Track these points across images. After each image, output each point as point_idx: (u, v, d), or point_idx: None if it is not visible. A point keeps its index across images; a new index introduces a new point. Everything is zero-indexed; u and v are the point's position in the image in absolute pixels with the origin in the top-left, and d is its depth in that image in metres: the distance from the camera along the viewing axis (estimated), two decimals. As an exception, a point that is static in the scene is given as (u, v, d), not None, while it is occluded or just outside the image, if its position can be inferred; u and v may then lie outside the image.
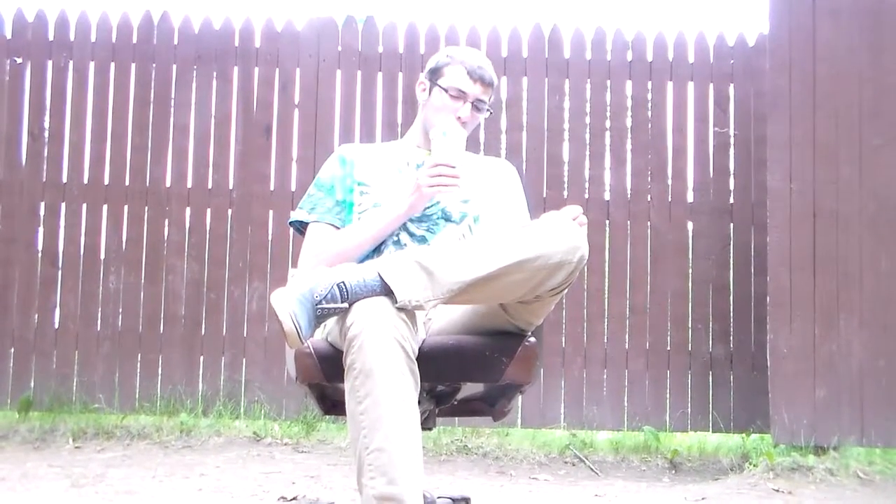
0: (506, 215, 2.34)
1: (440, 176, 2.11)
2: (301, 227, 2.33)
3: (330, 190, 2.32)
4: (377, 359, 1.76)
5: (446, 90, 2.29)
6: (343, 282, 1.82)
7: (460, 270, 1.85)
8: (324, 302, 1.80)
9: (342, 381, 1.84)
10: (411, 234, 2.24)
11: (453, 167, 2.11)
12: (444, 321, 2.11)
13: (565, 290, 1.96)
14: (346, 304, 1.81)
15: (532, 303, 1.95)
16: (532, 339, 2.00)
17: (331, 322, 2.00)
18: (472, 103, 2.29)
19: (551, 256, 1.86)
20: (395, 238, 2.23)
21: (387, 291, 1.83)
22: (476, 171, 2.38)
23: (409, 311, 1.84)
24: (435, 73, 2.33)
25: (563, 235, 1.88)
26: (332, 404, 2.21)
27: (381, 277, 1.84)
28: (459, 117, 2.28)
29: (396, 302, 1.82)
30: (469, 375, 2.02)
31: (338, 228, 2.28)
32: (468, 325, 2.06)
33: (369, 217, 2.23)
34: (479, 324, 2.04)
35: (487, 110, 2.34)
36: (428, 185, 2.12)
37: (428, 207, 2.25)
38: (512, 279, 1.86)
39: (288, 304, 1.77)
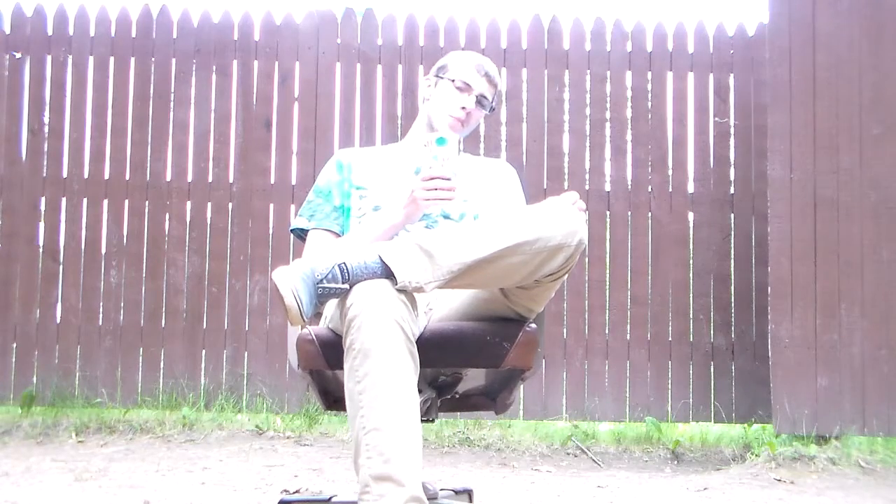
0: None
1: (436, 189, 2.12)
2: (302, 234, 2.37)
3: (328, 195, 2.36)
4: (376, 339, 1.77)
5: (453, 81, 2.36)
6: (344, 262, 1.83)
7: (460, 252, 1.86)
8: (325, 281, 1.82)
9: (343, 368, 1.85)
10: (409, 232, 2.25)
11: (448, 179, 2.12)
12: (445, 309, 2.13)
13: (565, 276, 1.98)
14: (346, 285, 1.83)
15: (532, 288, 1.96)
16: (533, 325, 2.01)
17: (331, 309, 2.01)
18: (477, 97, 2.37)
19: (550, 239, 1.87)
20: (396, 234, 2.23)
21: (387, 274, 1.84)
22: (475, 172, 2.42)
23: (409, 294, 1.85)
24: (442, 69, 2.42)
25: (563, 219, 1.90)
26: (335, 400, 2.21)
27: (381, 260, 1.85)
28: (464, 107, 2.34)
29: (397, 284, 1.83)
30: (470, 361, 2.02)
31: (337, 234, 2.33)
32: (469, 312, 2.07)
33: (367, 225, 2.25)
34: (481, 311, 2.05)
35: (490, 108, 2.41)
36: (424, 198, 2.13)
37: None
38: (511, 261, 1.87)
39: (290, 280, 1.79)
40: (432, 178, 2.12)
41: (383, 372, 1.77)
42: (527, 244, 1.87)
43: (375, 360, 1.77)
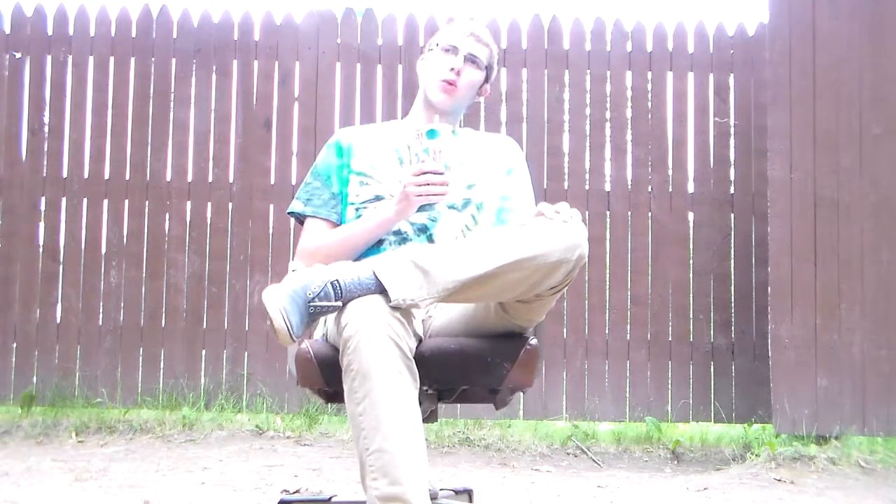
0: (510, 204, 2.30)
1: (428, 185, 2.06)
2: (301, 217, 2.32)
3: (327, 180, 2.30)
4: (373, 359, 1.75)
5: (439, 45, 2.31)
6: (337, 280, 1.80)
7: (456, 269, 1.82)
8: (317, 300, 1.78)
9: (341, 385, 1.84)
10: (411, 223, 2.21)
11: (441, 174, 2.06)
12: (444, 319, 2.09)
13: (565, 288, 1.94)
14: (339, 303, 1.79)
15: (532, 301, 1.92)
16: (534, 342, 1.98)
17: (329, 321, 1.99)
18: (466, 56, 2.28)
19: (549, 255, 1.83)
20: (395, 227, 2.20)
21: (381, 290, 1.80)
22: (478, 151, 2.34)
23: (404, 310, 1.82)
24: (433, 40, 2.36)
25: (562, 234, 1.85)
26: (334, 392, 2.20)
27: (375, 276, 1.81)
28: (452, 68, 2.26)
29: (391, 301, 1.80)
30: (470, 380, 2.00)
31: (334, 223, 2.27)
32: (469, 322, 2.04)
33: (361, 221, 2.20)
34: (480, 321, 2.02)
35: (486, 69, 2.33)
36: (416, 193, 2.07)
37: None
38: (508, 278, 1.84)
39: (279, 300, 1.76)
40: (423, 173, 2.06)
41: (382, 392, 1.75)
42: (525, 261, 1.82)
43: (374, 380, 1.75)
